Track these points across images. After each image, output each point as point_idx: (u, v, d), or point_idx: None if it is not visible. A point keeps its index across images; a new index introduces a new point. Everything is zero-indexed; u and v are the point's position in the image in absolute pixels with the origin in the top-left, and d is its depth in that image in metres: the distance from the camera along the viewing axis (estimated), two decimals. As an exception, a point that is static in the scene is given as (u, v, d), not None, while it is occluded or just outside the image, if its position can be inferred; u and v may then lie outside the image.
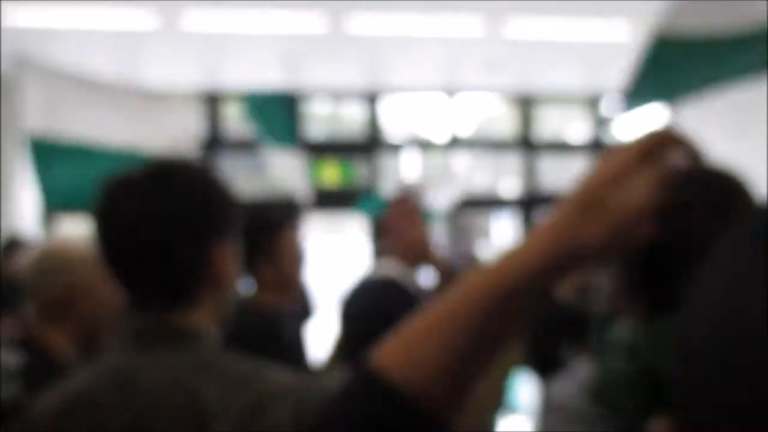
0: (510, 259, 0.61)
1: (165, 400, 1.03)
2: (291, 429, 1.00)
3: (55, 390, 1.10)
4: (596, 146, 8.06)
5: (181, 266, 1.10)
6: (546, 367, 2.17)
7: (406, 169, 7.82)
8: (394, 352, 0.61)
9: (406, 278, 2.33)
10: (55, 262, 1.66)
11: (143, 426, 1.03)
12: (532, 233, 0.62)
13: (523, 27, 5.87)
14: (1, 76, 6.11)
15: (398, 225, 2.31)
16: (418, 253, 2.33)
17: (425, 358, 0.60)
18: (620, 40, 6.06)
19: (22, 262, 2.00)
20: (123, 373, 1.06)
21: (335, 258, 6.83)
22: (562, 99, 8.05)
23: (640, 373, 0.94)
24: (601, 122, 7.88)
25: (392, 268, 2.35)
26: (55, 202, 3.90)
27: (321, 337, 3.03)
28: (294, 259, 2.32)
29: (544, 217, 0.63)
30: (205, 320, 1.11)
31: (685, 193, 0.90)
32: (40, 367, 1.51)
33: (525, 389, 4.41)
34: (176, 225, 1.09)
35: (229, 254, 1.14)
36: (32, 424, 1.07)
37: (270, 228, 2.29)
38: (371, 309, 2.26)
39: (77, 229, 7.13)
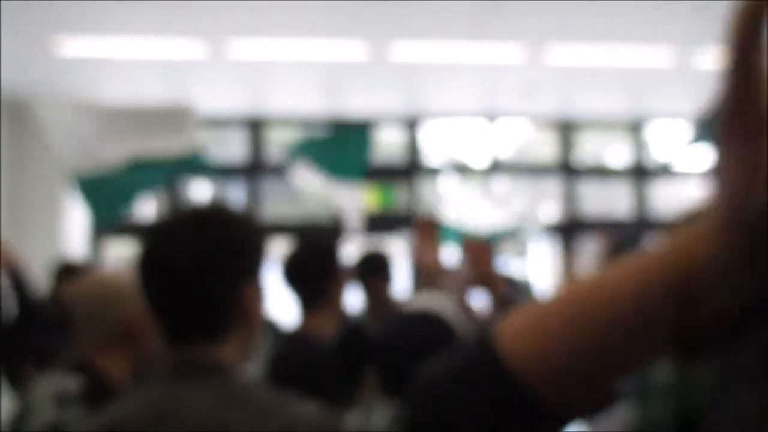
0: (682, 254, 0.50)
1: (197, 429, 1.09)
2: None
3: (97, 416, 1.18)
4: (637, 171, 8.01)
5: (214, 304, 1.17)
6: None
7: (445, 193, 7.86)
8: (524, 334, 0.54)
9: (448, 310, 2.28)
10: (108, 293, 1.72)
11: None
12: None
13: (563, 53, 5.89)
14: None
15: (417, 250, 2.28)
16: (430, 277, 2.27)
17: (558, 349, 0.53)
18: (661, 65, 6.06)
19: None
20: (160, 402, 1.13)
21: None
22: (602, 124, 8.02)
23: (682, 417, 0.93)
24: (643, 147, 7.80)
25: (433, 300, 2.30)
26: (105, 223, 4.33)
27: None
28: (340, 286, 2.38)
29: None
30: (234, 355, 1.18)
31: None
32: (99, 392, 1.57)
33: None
34: (209, 265, 1.16)
35: (257, 293, 1.20)
36: None
37: (322, 260, 2.36)
38: (409, 344, 2.21)
39: (123, 251, 7.30)
